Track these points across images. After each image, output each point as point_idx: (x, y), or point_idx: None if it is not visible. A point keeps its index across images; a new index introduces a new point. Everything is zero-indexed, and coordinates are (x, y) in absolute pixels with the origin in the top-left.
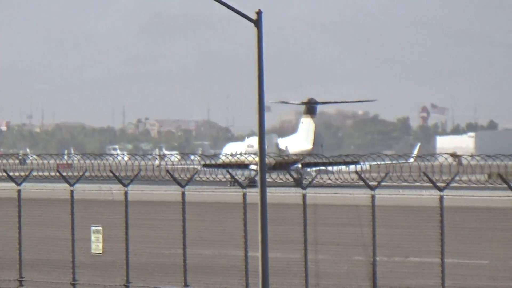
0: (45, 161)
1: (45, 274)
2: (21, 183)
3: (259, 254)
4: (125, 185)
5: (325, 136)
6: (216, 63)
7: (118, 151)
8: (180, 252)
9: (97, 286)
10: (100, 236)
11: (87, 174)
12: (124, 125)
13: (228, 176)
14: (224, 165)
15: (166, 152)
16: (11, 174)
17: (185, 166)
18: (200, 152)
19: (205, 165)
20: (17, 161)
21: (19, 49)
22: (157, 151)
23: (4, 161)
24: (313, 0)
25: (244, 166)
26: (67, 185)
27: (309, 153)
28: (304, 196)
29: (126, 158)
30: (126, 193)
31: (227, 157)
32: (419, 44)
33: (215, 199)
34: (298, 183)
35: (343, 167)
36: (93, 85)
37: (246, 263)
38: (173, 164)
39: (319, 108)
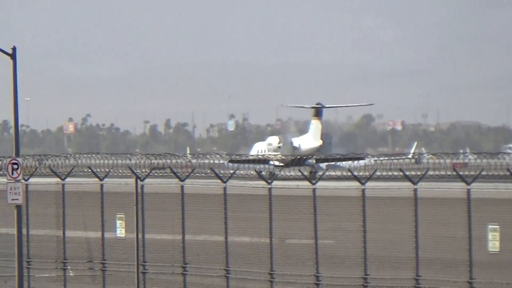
0: (441, 160)
1: (440, 273)
2: (417, 182)
3: None
4: None
5: None
6: None
7: None
8: None
9: (494, 284)
10: (497, 234)
11: (483, 173)
12: None
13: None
14: (249, 161)
15: None
16: (407, 173)
17: None
18: None
19: (231, 161)
20: (413, 160)
21: (416, 50)
22: None
23: (401, 160)
24: None
25: (265, 161)
26: (463, 183)
27: (318, 150)
28: None
29: None
30: None
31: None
32: None
33: None
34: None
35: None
36: (488, 84)
37: None
38: None
39: None
